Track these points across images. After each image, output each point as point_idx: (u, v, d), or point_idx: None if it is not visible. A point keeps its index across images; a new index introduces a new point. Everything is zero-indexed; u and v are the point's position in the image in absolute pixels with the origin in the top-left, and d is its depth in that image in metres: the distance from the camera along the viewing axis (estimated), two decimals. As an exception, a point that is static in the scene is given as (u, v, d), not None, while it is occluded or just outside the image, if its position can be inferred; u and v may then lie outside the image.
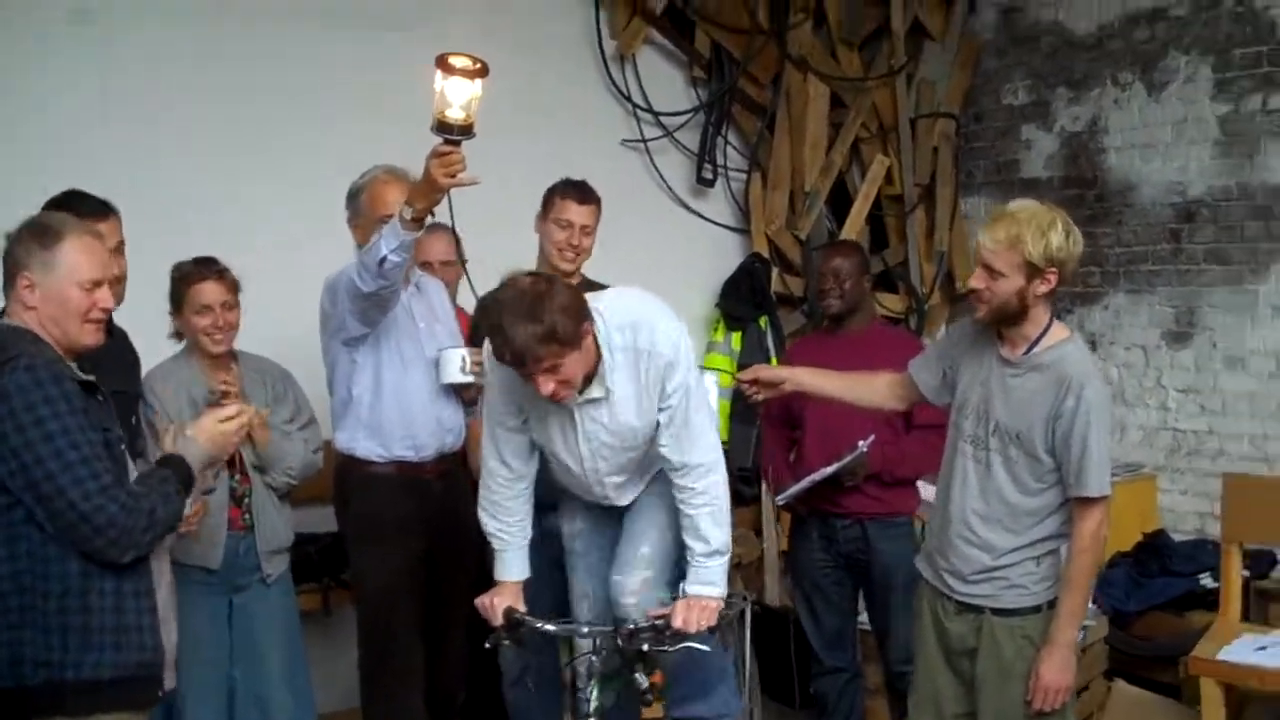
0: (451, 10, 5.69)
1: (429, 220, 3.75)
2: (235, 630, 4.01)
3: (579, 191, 4.34)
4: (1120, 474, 5.84)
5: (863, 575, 4.61)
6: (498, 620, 3.43)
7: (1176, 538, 5.54)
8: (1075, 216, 6.34)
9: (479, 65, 3.35)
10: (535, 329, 3.02)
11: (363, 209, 4.00)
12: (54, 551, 2.70)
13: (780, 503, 4.54)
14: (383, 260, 3.60)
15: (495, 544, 3.57)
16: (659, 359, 3.29)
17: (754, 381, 3.78)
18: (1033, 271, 3.21)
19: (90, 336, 2.88)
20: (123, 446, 2.90)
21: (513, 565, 3.55)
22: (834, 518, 4.53)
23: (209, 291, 3.93)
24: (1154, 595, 5.10)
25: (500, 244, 4.95)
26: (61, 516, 2.66)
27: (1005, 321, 3.31)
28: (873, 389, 3.77)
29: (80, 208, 3.39)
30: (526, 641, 3.53)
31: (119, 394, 3.27)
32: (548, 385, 3.13)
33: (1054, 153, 6.55)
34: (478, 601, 3.50)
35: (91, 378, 2.82)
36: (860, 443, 4.38)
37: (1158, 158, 6.09)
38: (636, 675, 3.26)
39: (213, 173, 5.09)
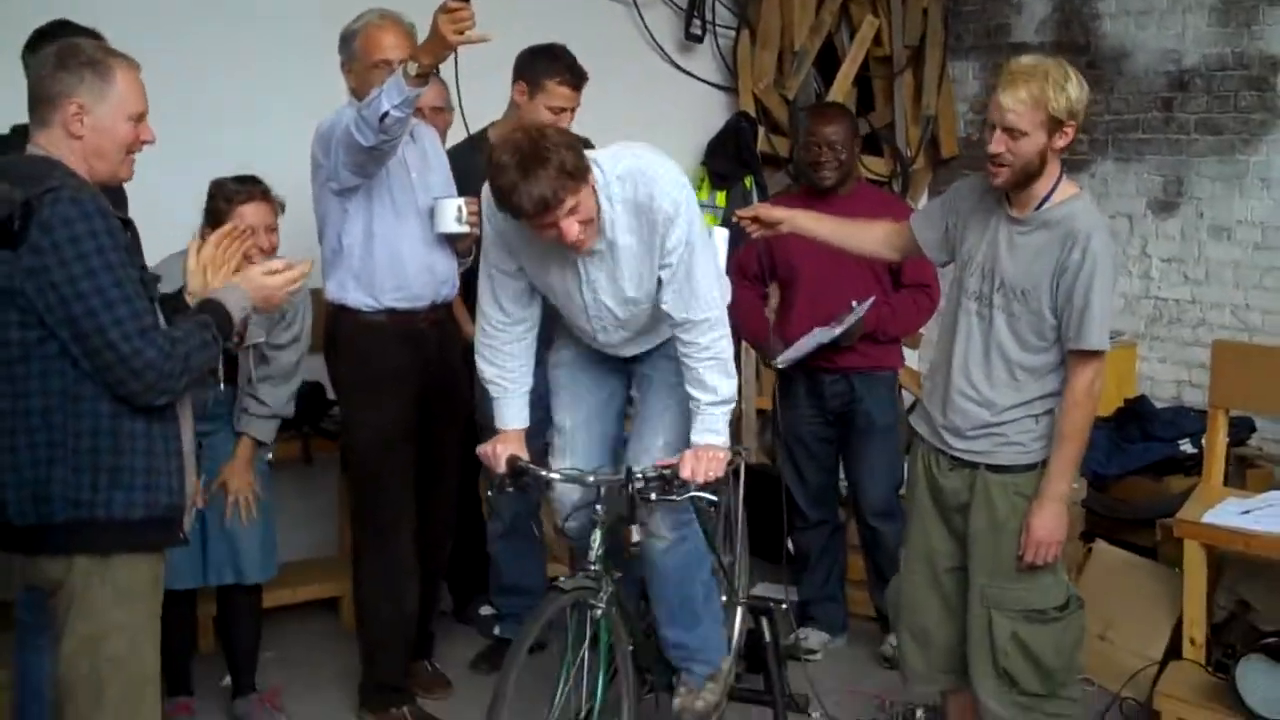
0: None
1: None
2: (203, 467, 3.88)
3: (573, 76, 4.28)
4: (1102, 341, 5.86)
5: (846, 428, 4.66)
6: (501, 468, 3.40)
7: (1156, 404, 5.58)
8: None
9: None
10: (548, 170, 3.00)
11: (356, 54, 3.89)
12: (88, 390, 2.62)
13: (780, 365, 4.51)
14: (384, 115, 3.50)
15: (493, 390, 3.54)
16: (659, 213, 3.24)
17: (754, 219, 3.73)
18: (1054, 126, 3.16)
19: (127, 170, 2.79)
20: (155, 283, 2.81)
21: (513, 413, 3.52)
22: (822, 373, 4.55)
23: (255, 212, 3.82)
24: (1133, 460, 5.13)
25: (483, 92, 4.88)
26: (99, 355, 2.59)
27: (1021, 183, 3.26)
28: (870, 236, 3.73)
29: (74, 29, 3.31)
30: (530, 489, 3.51)
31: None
32: (572, 229, 3.10)
33: (1046, 17, 6.46)
34: (480, 450, 3.47)
35: (122, 214, 2.73)
36: (855, 303, 4.37)
37: (1153, 24, 6.02)
38: (630, 528, 3.26)
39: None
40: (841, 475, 4.89)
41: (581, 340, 3.63)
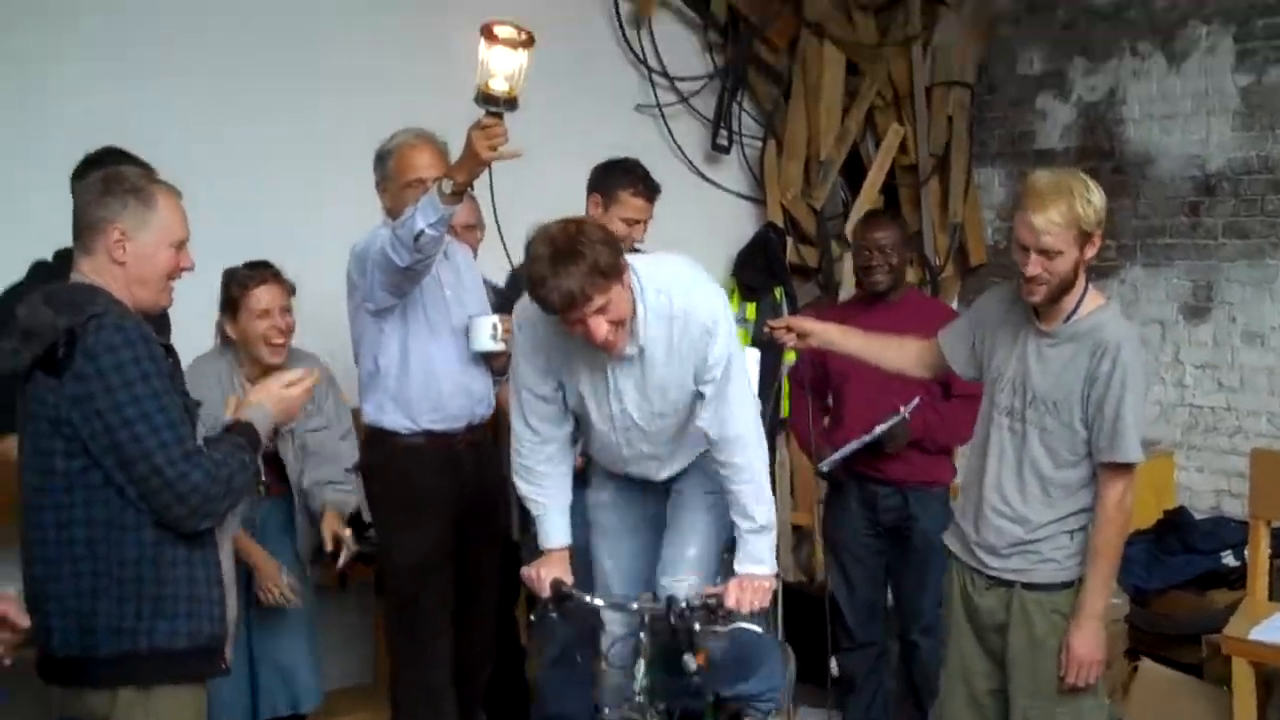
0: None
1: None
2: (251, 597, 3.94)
3: (647, 188, 4.32)
4: (1137, 450, 5.81)
5: (901, 544, 4.57)
6: (545, 592, 3.35)
7: (1194, 515, 5.50)
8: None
9: (525, 35, 3.26)
10: (580, 266, 2.97)
11: (391, 173, 3.91)
12: (131, 518, 2.61)
13: (825, 470, 4.46)
14: (419, 234, 3.50)
15: (532, 509, 3.51)
16: (696, 326, 3.22)
17: (787, 329, 3.73)
18: (1084, 239, 3.16)
19: (167, 297, 2.81)
20: (198, 409, 2.82)
21: (554, 531, 3.49)
22: (875, 484, 4.47)
23: (268, 294, 3.90)
24: (1175, 573, 5.07)
25: (515, 209, 4.89)
26: (145, 481, 2.58)
27: (1055, 297, 3.24)
28: (901, 354, 3.72)
29: (122, 158, 3.37)
30: (574, 616, 3.46)
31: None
32: (600, 328, 3.06)
33: (1070, 123, 6.48)
34: (524, 572, 3.42)
35: (167, 340, 2.75)
36: (902, 407, 4.32)
37: (1177, 129, 6.03)
38: (685, 656, 3.21)
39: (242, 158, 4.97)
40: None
41: (618, 474, 3.62)
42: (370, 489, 4.07)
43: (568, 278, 2.97)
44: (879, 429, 4.32)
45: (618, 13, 6.02)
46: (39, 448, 2.64)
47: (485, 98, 3.32)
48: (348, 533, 3.89)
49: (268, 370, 3.80)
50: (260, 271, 3.93)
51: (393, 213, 3.86)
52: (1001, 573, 3.36)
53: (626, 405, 3.36)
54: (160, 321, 3.48)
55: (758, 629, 3.30)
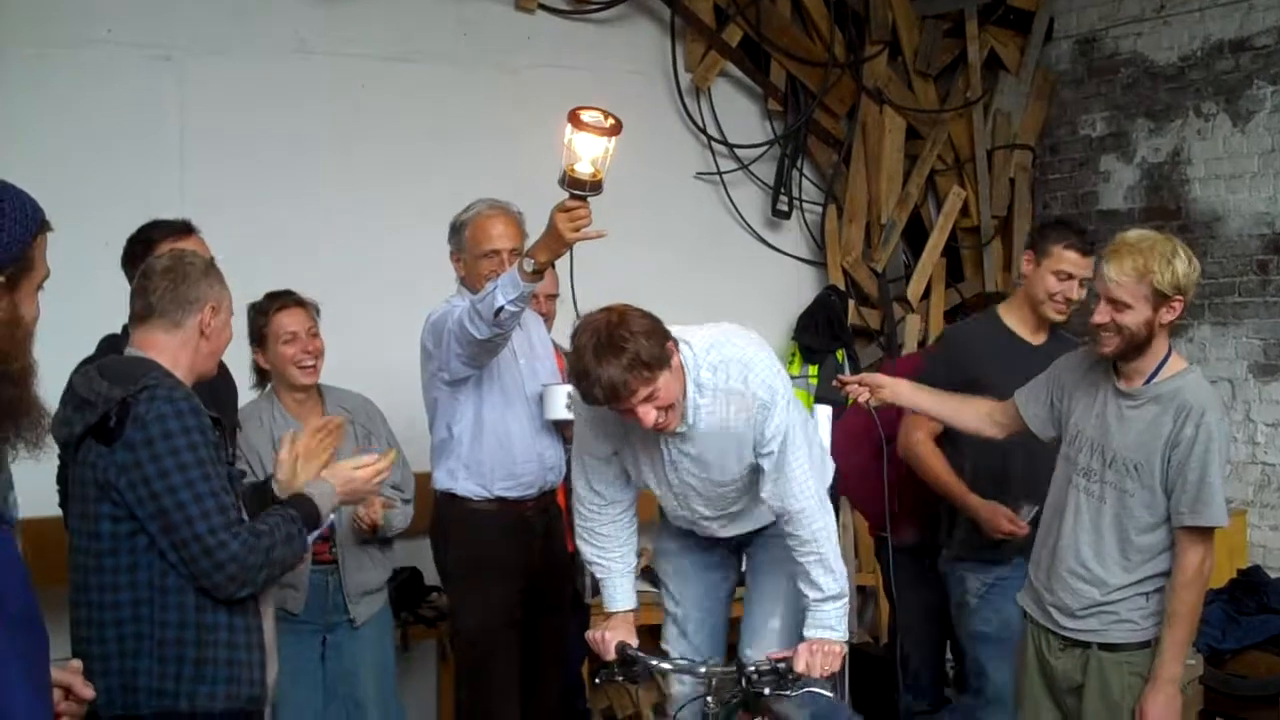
0: (527, 44, 5.74)
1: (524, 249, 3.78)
2: (328, 672, 3.95)
3: (1082, 242, 4.14)
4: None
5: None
6: (609, 655, 3.33)
7: (1271, 574, 5.39)
8: (1158, 249, 6.29)
9: (611, 122, 3.32)
10: (622, 359, 2.96)
11: (465, 244, 3.97)
12: (173, 582, 2.68)
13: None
14: (499, 310, 3.55)
15: (596, 571, 3.52)
16: (752, 400, 3.21)
17: (859, 383, 3.72)
18: (1160, 300, 3.15)
19: (217, 365, 2.96)
20: (242, 480, 2.94)
21: (619, 594, 3.49)
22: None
23: (292, 319, 3.90)
24: (1251, 633, 4.94)
25: (577, 278, 4.99)
26: (185, 548, 2.64)
27: (1128, 354, 3.23)
28: (974, 414, 3.68)
29: (166, 230, 3.51)
30: (639, 679, 3.47)
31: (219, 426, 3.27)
32: (649, 415, 3.06)
33: (1134, 184, 6.46)
34: (589, 635, 3.42)
35: (215, 414, 2.83)
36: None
37: (1244, 188, 5.99)
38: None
39: (293, 213, 5.13)
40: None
41: (681, 528, 3.62)
42: (440, 553, 4.10)
43: (609, 370, 2.96)
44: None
45: (678, 83, 6.11)
46: (87, 512, 2.71)
47: (571, 182, 3.38)
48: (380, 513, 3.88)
49: (303, 397, 3.93)
50: (280, 299, 3.94)
51: (466, 282, 3.95)
52: (1077, 634, 3.32)
53: (684, 476, 3.38)
54: (226, 386, 3.61)
55: (828, 693, 3.28)
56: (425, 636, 4.87)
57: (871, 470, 4.53)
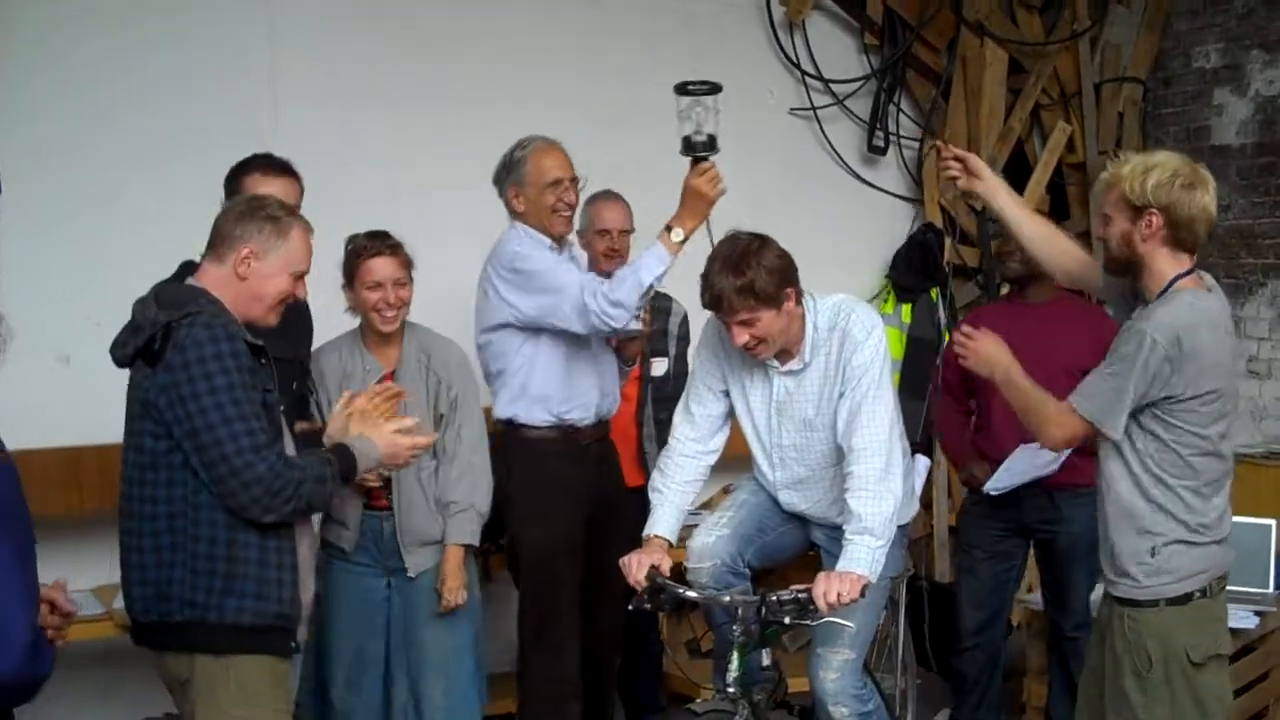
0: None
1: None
2: (393, 619, 3.96)
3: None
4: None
5: (1045, 545, 4.51)
6: (637, 577, 3.40)
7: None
8: (1269, 185, 6.14)
9: (710, 85, 3.69)
10: (736, 281, 3.27)
11: (528, 178, 4.03)
12: (205, 499, 2.82)
13: (993, 494, 4.40)
14: (648, 289, 3.76)
15: (653, 497, 3.62)
16: (850, 336, 3.43)
17: (956, 158, 3.58)
18: (1134, 213, 3.07)
19: (275, 317, 3.03)
20: (280, 409, 3.00)
21: (662, 520, 3.58)
22: (1018, 488, 4.38)
23: (381, 267, 3.86)
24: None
25: (665, 210, 4.96)
26: (214, 467, 2.78)
27: (1127, 272, 3.18)
28: (1055, 248, 3.53)
29: (255, 165, 3.69)
30: (667, 608, 3.53)
31: (283, 361, 3.37)
32: (741, 336, 3.35)
33: (1247, 118, 6.25)
34: (622, 561, 3.47)
35: (260, 342, 2.94)
36: None
37: (1361, 122, 5.76)
38: (763, 651, 3.24)
39: (383, 142, 5.19)
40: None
41: (762, 486, 3.73)
42: (502, 480, 4.13)
43: (724, 282, 3.29)
44: (1050, 467, 4.24)
45: (770, 17, 6.04)
46: (134, 429, 2.90)
47: (689, 146, 3.70)
48: (462, 594, 3.91)
49: (385, 337, 3.90)
50: (376, 242, 3.89)
51: (527, 217, 4.03)
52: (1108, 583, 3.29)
53: (784, 416, 3.54)
54: (297, 323, 3.70)
55: (849, 625, 3.30)
56: (504, 565, 4.93)
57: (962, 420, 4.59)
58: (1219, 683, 3.22)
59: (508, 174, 4.08)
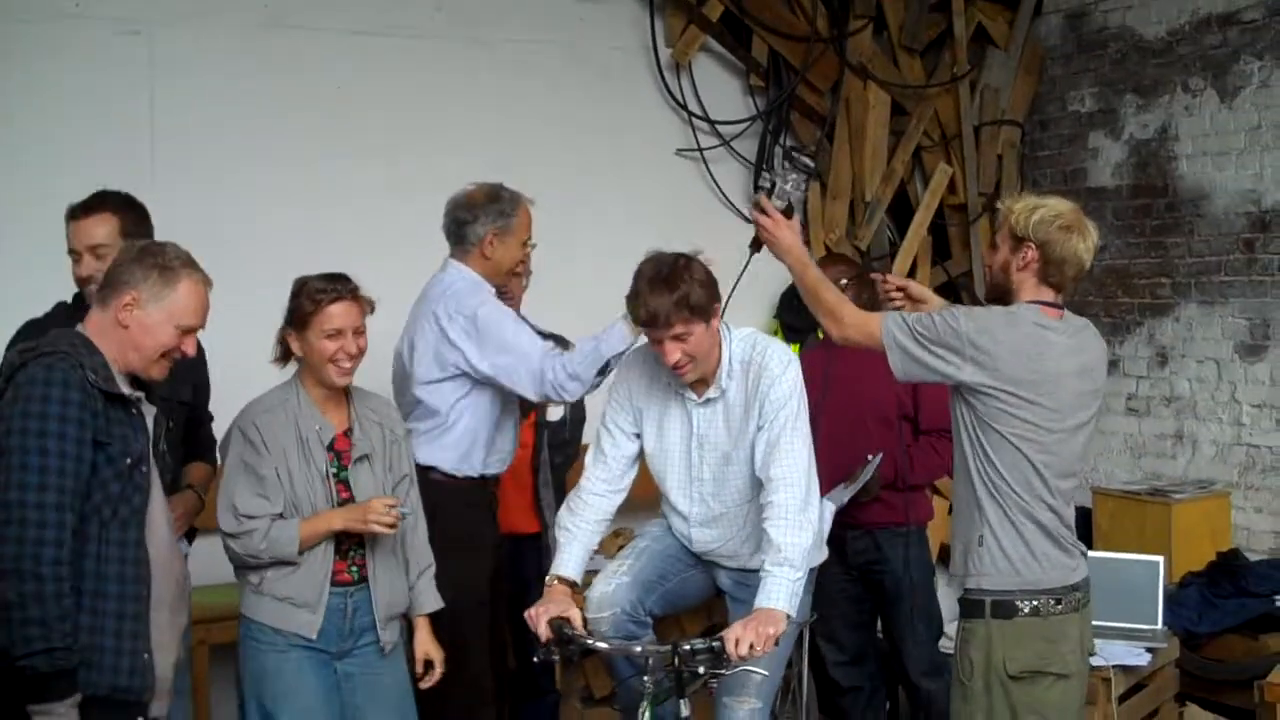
0: (504, 19, 5.68)
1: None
2: (345, 703, 3.49)
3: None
4: (1191, 491, 5.68)
5: (875, 586, 4.55)
6: (540, 630, 3.33)
7: (1251, 557, 5.36)
8: (1144, 226, 6.27)
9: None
10: (672, 295, 3.31)
11: (514, 227, 4.00)
12: None
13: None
14: (606, 366, 3.75)
15: (560, 536, 3.59)
16: (767, 370, 3.46)
17: (899, 289, 3.93)
18: (1015, 243, 3.28)
19: (159, 371, 2.92)
20: (144, 467, 2.85)
21: (569, 561, 3.54)
22: (844, 529, 4.37)
23: (342, 314, 3.43)
24: (1227, 616, 4.92)
25: (553, 256, 4.92)
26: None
27: (1001, 299, 3.36)
28: None
29: (79, 207, 3.51)
30: (574, 658, 3.47)
31: (165, 401, 3.21)
32: (674, 354, 3.36)
33: (1122, 161, 6.39)
34: (526, 614, 3.39)
35: (134, 393, 2.83)
36: (870, 456, 4.33)
37: (1231, 165, 5.92)
38: (681, 701, 3.19)
39: (262, 186, 5.10)
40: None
41: (668, 530, 3.73)
42: None
43: (658, 299, 3.32)
44: (852, 486, 4.29)
45: (658, 58, 6.05)
46: None
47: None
48: (440, 656, 3.65)
49: (330, 395, 3.49)
50: (337, 286, 3.46)
51: (492, 262, 3.98)
52: None
53: (705, 449, 3.55)
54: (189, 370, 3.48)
55: (763, 672, 3.26)
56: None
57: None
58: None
59: (494, 217, 3.97)
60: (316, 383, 3.49)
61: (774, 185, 3.65)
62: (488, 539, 4.06)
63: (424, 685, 3.64)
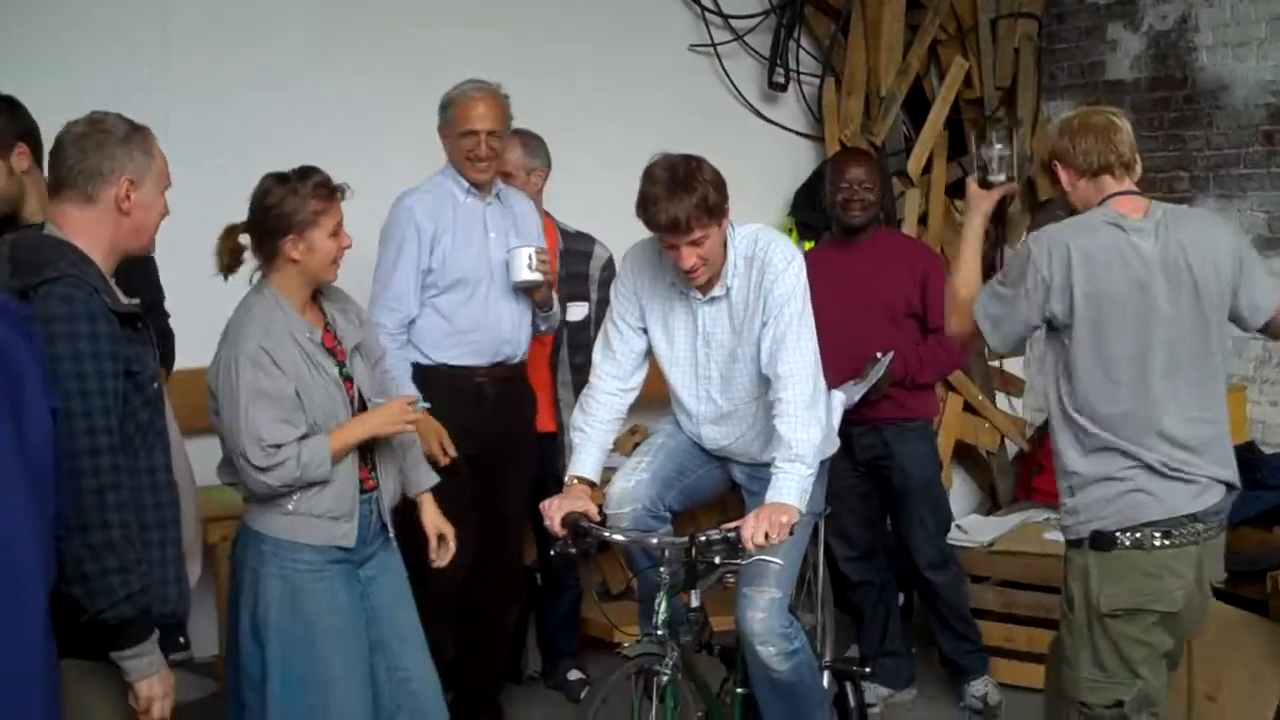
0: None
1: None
2: (370, 606, 3.38)
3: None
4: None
5: (883, 483, 4.62)
6: (554, 524, 3.35)
7: (1266, 450, 5.37)
8: (1162, 119, 6.19)
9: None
10: (691, 198, 3.25)
11: (452, 121, 4.11)
12: None
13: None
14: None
15: (575, 437, 3.60)
16: (771, 266, 3.43)
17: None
18: (1052, 176, 3.32)
19: (153, 243, 2.79)
20: (157, 384, 2.71)
21: (585, 461, 3.56)
22: (850, 425, 4.35)
23: (338, 210, 3.28)
24: (1241, 509, 4.90)
25: (570, 154, 4.91)
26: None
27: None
28: None
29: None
30: (591, 551, 3.51)
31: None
32: (690, 257, 3.32)
33: (1140, 53, 6.30)
34: (541, 505, 3.43)
35: (134, 306, 2.65)
36: (879, 354, 4.38)
37: (1251, 56, 5.83)
38: (693, 592, 3.23)
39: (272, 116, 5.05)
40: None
41: (683, 424, 3.72)
42: None
43: (678, 205, 3.24)
44: (863, 385, 4.32)
45: (669, -51, 5.96)
46: None
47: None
48: (451, 530, 3.56)
49: (308, 300, 3.32)
50: (332, 187, 3.27)
51: (450, 159, 4.13)
52: None
53: (711, 348, 3.53)
54: (147, 267, 3.34)
55: (779, 561, 3.29)
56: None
57: None
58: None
59: (441, 112, 4.16)
60: (301, 286, 3.29)
61: (986, 166, 3.59)
62: (453, 430, 4.00)
63: (439, 564, 3.55)
